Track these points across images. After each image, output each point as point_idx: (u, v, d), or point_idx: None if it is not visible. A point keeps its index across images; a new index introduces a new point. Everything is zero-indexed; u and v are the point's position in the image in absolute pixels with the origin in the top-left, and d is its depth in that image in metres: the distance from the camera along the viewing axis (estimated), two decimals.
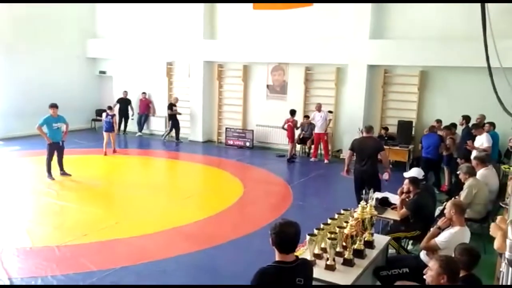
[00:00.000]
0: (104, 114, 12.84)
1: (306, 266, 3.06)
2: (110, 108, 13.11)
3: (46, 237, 6.61)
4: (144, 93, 15.95)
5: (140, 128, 16.12)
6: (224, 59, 14.69)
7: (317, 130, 12.36)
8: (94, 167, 11.61)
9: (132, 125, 16.18)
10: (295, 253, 3.22)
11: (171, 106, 14.70)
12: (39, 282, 5.17)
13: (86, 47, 16.83)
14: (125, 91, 15.96)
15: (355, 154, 7.64)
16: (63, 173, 9.97)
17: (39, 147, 11.35)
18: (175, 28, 15.15)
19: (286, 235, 2.87)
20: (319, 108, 12.40)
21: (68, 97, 14.46)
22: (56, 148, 9.78)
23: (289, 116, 12.65)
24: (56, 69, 15.60)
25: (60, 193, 8.89)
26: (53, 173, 9.78)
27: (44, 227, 7.11)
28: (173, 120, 14.80)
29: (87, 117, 16.76)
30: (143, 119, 16.14)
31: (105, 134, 12.56)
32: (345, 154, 9.47)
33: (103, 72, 17.21)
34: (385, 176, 7.41)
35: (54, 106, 9.76)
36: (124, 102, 15.87)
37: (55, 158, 9.83)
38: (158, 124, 16.19)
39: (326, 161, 12.34)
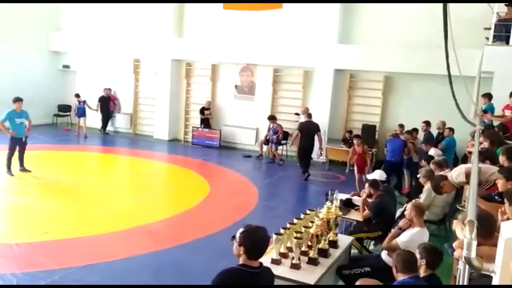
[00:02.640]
0: (76, 102, 14.66)
1: (268, 274, 3.05)
2: (78, 95, 14.71)
3: (4, 234, 6.41)
4: (108, 89, 15.55)
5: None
6: (193, 58, 14.62)
7: None
8: (55, 163, 11.30)
9: (97, 122, 15.78)
10: None
11: (202, 110, 14.09)
12: None
13: (49, 39, 16.34)
14: (108, 89, 15.36)
15: (300, 134, 10.66)
16: (23, 169, 9.66)
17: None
18: (143, 23, 14.94)
19: (259, 241, 2.86)
20: (304, 111, 12.23)
21: (29, 91, 13.86)
22: (18, 144, 9.48)
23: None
24: (17, 62, 15.03)
25: (19, 190, 8.63)
26: (13, 169, 9.47)
27: (2, 224, 6.89)
28: (205, 125, 14.23)
29: (49, 112, 16.22)
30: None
31: (78, 119, 14.67)
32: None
33: (67, 66, 16.75)
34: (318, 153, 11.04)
35: (19, 100, 9.49)
36: (106, 100, 15.28)
37: (15, 154, 9.52)
38: (122, 122, 15.91)
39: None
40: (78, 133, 14.56)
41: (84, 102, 14.62)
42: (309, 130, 10.69)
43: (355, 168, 9.65)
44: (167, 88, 14.80)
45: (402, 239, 4.48)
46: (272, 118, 12.67)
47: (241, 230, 2.89)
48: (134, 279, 5.31)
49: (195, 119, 14.89)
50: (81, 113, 14.49)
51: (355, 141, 9.57)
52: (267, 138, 12.99)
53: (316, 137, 10.69)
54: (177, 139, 15.18)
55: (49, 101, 16.10)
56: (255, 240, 2.85)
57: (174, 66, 14.75)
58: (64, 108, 16.48)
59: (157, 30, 14.62)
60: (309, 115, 11.25)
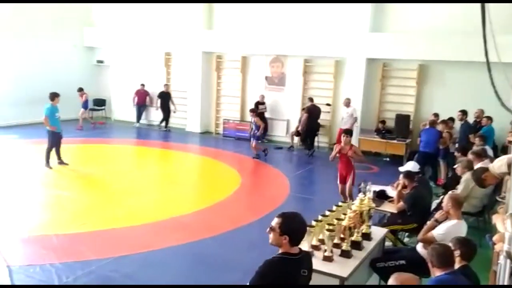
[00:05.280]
0: (84, 96, 14.96)
1: (309, 258, 3.12)
2: (81, 89, 14.97)
3: (44, 226, 6.62)
4: (142, 84, 15.77)
5: (138, 119, 16.02)
6: (223, 50, 14.65)
7: (343, 125, 11.87)
8: (91, 156, 11.61)
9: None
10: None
11: (257, 104, 13.59)
12: (38, 270, 5.18)
13: (83, 35, 16.71)
14: (166, 84, 15.32)
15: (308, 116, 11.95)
16: (61, 162, 9.96)
17: (36, 136, 11.34)
18: (173, 17, 15.06)
19: (301, 227, 2.92)
20: (346, 103, 12.00)
21: (65, 86, 14.30)
22: (58, 138, 9.81)
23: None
24: (53, 58, 15.48)
25: (57, 182, 8.91)
26: (51, 162, 9.78)
27: (42, 216, 7.13)
28: (259, 119, 13.55)
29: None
30: (141, 110, 16.03)
31: (85, 110, 15.13)
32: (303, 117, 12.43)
33: (101, 62, 17.12)
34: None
35: (58, 95, 9.84)
36: (165, 96, 15.23)
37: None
38: (156, 115, 16.14)
39: None
40: (81, 126, 14.74)
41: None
42: (316, 112, 12.20)
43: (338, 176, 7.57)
44: (198, 81, 14.89)
45: (439, 232, 4.36)
46: (253, 111, 11.84)
47: (279, 220, 2.88)
48: (168, 270, 5.40)
49: (226, 112, 14.96)
50: (86, 105, 15.07)
51: (342, 139, 7.37)
52: (298, 129, 12.90)
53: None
54: (208, 132, 15.28)
55: None
56: (297, 227, 2.89)
57: (204, 58, 14.81)
58: (99, 102, 16.85)
59: (187, 23, 14.69)
60: (311, 99, 12.51)
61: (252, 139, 11.76)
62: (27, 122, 13.94)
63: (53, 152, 9.83)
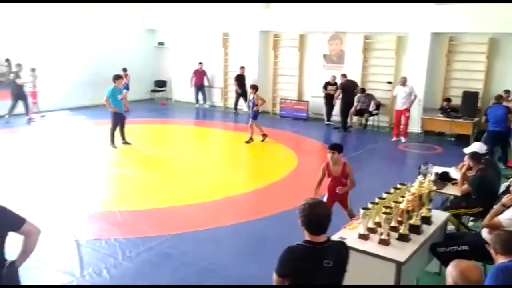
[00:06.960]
0: (127, 77, 14.69)
1: (338, 249, 2.88)
2: (125, 69, 14.71)
3: (108, 203, 6.97)
4: (200, 63, 15.87)
5: (197, 99, 16.29)
6: (280, 29, 14.48)
7: (398, 106, 11.33)
8: (153, 136, 12.02)
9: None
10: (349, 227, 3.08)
11: (326, 85, 13.17)
12: (103, 244, 5.48)
13: (144, 18, 17.16)
14: (242, 67, 14.84)
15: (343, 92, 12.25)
16: (125, 142, 10.39)
17: (102, 117, 11.87)
18: None
19: (315, 217, 2.76)
20: (403, 82, 11.18)
21: (128, 68, 14.90)
22: (121, 119, 10.22)
23: None
24: (116, 41, 16.08)
25: (122, 161, 9.32)
26: (115, 142, 10.23)
27: (107, 193, 7.50)
28: (327, 100, 13.31)
29: (146, 88, 17.19)
30: (200, 91, 16.22)
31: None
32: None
33: (161, 43, 17.53)
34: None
35: (120, 77, 10.30)
36: (242, 79, 14.86)
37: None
38: (216, 96, 16.35)
39: (403, 139, 11.41)
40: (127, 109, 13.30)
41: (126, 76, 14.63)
42: (351, 87, 12.27)
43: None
44: (255, 61, 14.86)
45: (505, 217, 4.09)
46: (253, 87, 11.12)
47: (300, 207, 2.83)
48: (222, 248, 5.51)
49: (283, 91, 14.85)
50: (125, 86, 13.90)
51: (329, 155, 5.53)
52: (357, 108, 12.57)
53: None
54: (265, 112, 15.24)
55: (147, 77, 17.02)
56: (313, 217, 2.76)
57: (261, 38, 14.72)
58: (160, 84, 17.36)
59: (245, 2, 14.60)
60: (345, 75, 12.51)
61: (250, 119, 11.10)
62: (93, 103, 14.64)
63: (117, 132, 10.28)
